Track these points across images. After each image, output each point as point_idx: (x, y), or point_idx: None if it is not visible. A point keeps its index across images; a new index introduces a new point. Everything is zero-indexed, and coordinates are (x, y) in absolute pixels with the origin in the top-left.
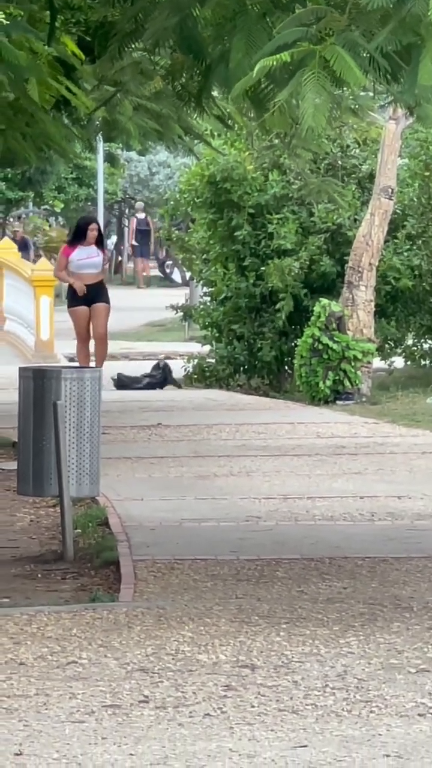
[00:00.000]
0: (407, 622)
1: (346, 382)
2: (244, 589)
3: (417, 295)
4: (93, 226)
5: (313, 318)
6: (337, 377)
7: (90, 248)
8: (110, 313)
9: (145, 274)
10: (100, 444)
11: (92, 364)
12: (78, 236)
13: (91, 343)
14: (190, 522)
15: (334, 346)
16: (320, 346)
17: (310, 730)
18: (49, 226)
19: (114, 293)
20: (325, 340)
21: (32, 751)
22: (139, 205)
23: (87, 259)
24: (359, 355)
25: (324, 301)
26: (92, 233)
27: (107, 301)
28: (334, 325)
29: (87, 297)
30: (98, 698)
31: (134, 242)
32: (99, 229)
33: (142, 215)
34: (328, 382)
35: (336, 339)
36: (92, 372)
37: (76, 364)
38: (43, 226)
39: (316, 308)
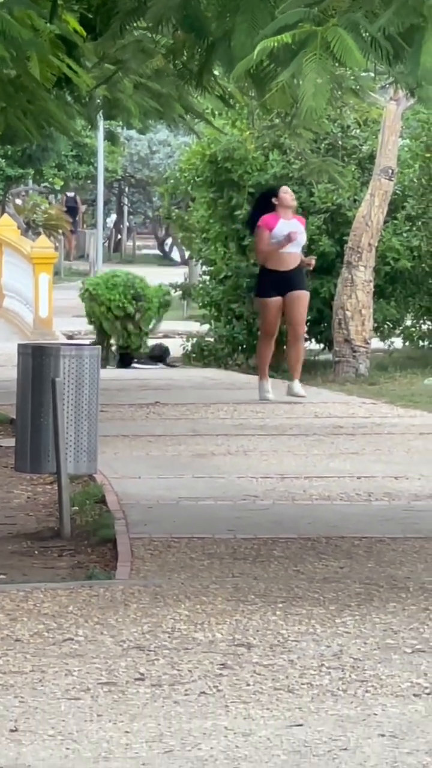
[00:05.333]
0: (403, 603)
1: None
2: (240, 567)
3: (416, 276)
4: (286, 188)
5: None
6: None
7: (293, 222)
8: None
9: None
10: (98, 421)
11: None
12: (266, 206)
13: None
14: (187, 500)
15: None
16: None
17: (305, 709)
18: (49, 203)
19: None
20: None
21: (27, 727)
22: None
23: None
24: None
25: None
26: (288, 196)
27: (306, 288)
28: None
29: (284, 283)
30: (94, 675)
31: None
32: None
33: (71, 193)
34: None
35: None
36: (91, 349)
37: (75, 341)
38: (42, 204)
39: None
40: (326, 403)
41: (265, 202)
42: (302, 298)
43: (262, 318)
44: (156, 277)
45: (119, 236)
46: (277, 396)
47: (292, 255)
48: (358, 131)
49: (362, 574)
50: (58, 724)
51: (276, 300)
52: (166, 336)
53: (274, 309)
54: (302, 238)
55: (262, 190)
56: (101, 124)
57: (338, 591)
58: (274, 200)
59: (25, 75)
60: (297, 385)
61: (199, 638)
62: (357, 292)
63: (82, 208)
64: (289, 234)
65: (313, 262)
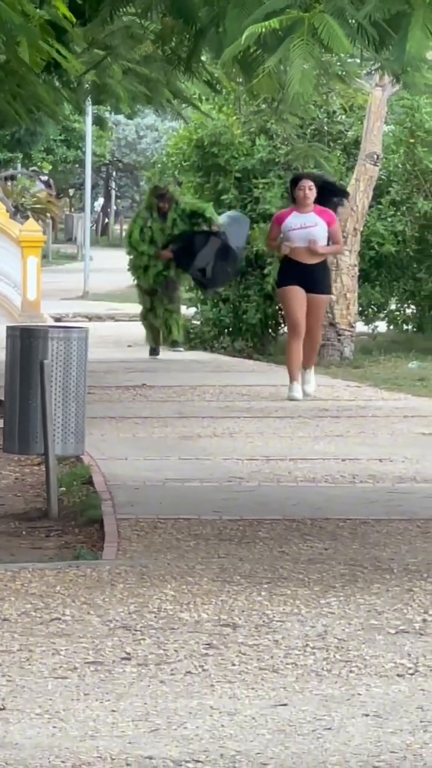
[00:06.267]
0: (387, 584)
1: None
2: (226, 548)
3: (400, 260)
4: (304, 183)
5: None
6: None
7: (308, 215)
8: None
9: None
10: (86, 403)
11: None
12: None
13: None
14: (173, 482)
15: None
16: None
17: (290, 688)
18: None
19: (101, 254)
20: None
21: (15, 706)
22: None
23: (300, 229)
24: None
25: None
26: (301, 193)
27: (329, 291)
28: None
29: (305, 278)
30: (81, 655)
31: None
32: (324, 188)
33: (44, 178)
34: None
35: None
36: (79, 332)
37: (64, 324)
38: (30, 188)
39: None
40: None
41: (292, 187)
42: (321, 304)
43: (286, 311)
44: None
45: (107, 220)
46: (259, 378)
47: (305, 251)
48: (343, 117)
49: (347, 556)
50: (45, 703)
51: (298, 288)
52: None
53: (298, 297)
54: (314, 231)
55: (295, 175)
56: (90, 108)
57: (323, 572)
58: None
59: (15, 60)
60: (309, 373)
61: (185, 618)
62: (342, 277)
63: (70, 192)
64: (282, 245)
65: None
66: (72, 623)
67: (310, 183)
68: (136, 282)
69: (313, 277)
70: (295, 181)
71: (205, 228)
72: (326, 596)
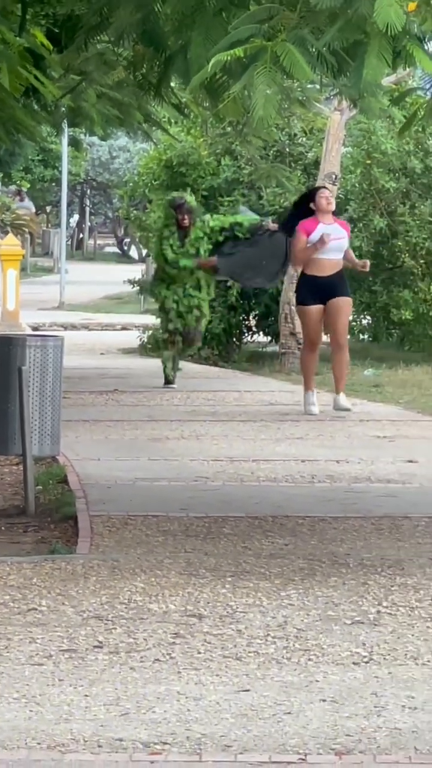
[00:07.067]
0: (344, 577)
1: None
2: (192, 544)
3: (357, 274)
4: (323, 192)
5: None
6: None
7: (334, 225)
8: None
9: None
10: (61, 407)
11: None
12: (305, 209)
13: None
14: (143, 481)
15: None
16: None
17: (252, 675)
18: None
19: (75, 267)
20: None
21: None
22: (23, 191)
23: (334, 240)
24: None
25: None
26: (323, 201)
27: (348, 294)
28: None
29: (324, 290)
30: (56, 643)
31: None
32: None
33: (25, 199)
34: None
35: None
36: (55, 340)
37: (41, 332)
38: (10, 205)
39: None
40: (273, 392)
41: (303, 205)
42: (344, 306)
43: (303, 327)
44: (115, 273)
45: (81, 235)
46: (224, 384)
47: (332, 261)
48: (304, 139)
49: (306, 551)
50: (23, 688)
51: (317, 308)
52: (124, 328)
53: (315, 317)
54: (343, 243)
55: (302, 193)
56: (66, 130)
57: (283, 566)
58: (311, 205)
59: None
60: (342, 399)
61: (154, 609)
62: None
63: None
64: (321, 237)
65: (368, 264)
66: (48, 613)
67: (325, 191)
68: (160, 302)
69: (332, 285)
70: (306, 198)
71: (265, 228)
72: (286, 589)
